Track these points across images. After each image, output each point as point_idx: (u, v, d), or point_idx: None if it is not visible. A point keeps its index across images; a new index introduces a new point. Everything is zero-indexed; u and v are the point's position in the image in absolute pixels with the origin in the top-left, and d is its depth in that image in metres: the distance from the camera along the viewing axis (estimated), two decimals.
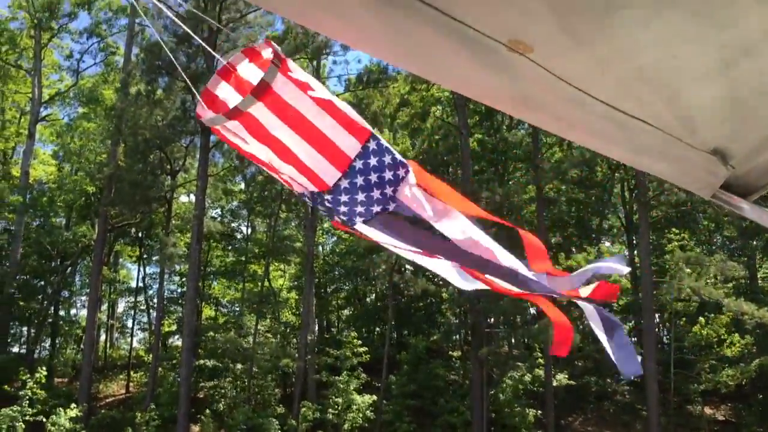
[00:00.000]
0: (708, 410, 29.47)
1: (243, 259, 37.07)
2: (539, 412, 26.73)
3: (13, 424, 22.50)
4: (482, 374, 26.49)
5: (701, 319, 27.10)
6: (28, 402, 23.37)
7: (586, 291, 2.73)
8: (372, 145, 2.34)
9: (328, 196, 2.41)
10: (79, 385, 29.93)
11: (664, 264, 29.49)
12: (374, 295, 40.09)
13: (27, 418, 23.04)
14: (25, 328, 37.87)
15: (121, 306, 44.43)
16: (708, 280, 26.56)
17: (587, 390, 30.03)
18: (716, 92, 1.75)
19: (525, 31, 1.53)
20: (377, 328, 38.22)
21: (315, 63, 32.39)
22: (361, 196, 2.39)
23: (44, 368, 26.10)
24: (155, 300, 36.66)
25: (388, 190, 2.42)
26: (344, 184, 2.36)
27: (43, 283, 36.38)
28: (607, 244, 37.10)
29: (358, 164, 2.33)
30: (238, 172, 34.59)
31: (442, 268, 2.91)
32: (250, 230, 40.06)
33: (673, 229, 29.97)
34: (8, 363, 29.94)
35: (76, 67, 39.88)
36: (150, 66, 29.84)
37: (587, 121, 1.88)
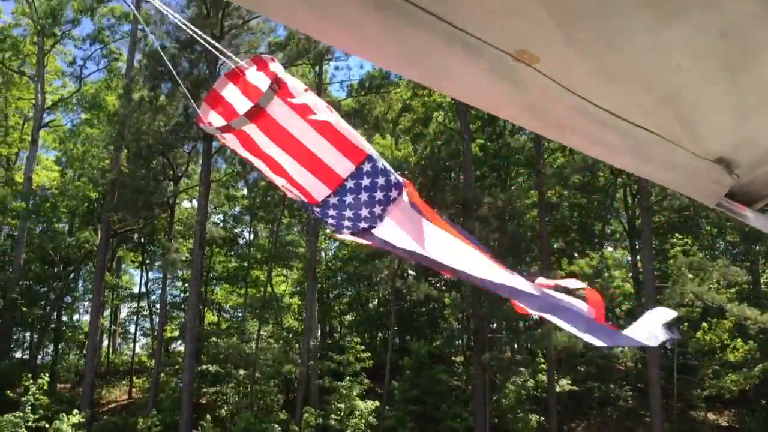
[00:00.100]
0: (711, 416, 29.39)
1: (245, 264, 37.10)
2: (542, 417, 26.66)
3: (15, 430, 22.50)
4: (485, 380, 26.45)
5: (704, 324, 27.03)
6: (30, 408, 23.36)
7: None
8: (366, 167, 2.36)
9: (317, 209, 2.44)
10: (82, 391, 29.91)
11: (667, 269, 29.43)
12: (377, 300, 40.07)
13: (29, 424, 23.03)
14: (27, 334, 37.91)
15: (123, 311, 44.49)
16: (711, 285, 26.52)
17: (590, 396, 29.97)
18: (721, 101, 1.76)
19: (531, 42, 1.54)
20: (380, 334, 38.19)
21: (317, 69, 32.44)
22: (349, 213, 2.43)
23: (47, 374, 26.12)
24: (158, 305, 36.68)
25: (377, 209, 2.45)
26: (333, 200, 2.39)
27: (45, 288, 36.42)
28: (610, 249, 37.04)
29: (350, 184, 2.36)
30: (241, 178, 34.66)
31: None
32: (252, 236, 40.15)
33: (676, 234, 29.92)
34: (11, 368, 29.95)
35: (79, 73, 40.06)
36: (153, 72, 29.91)
37: (592, 129, 1.89)
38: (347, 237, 2.64)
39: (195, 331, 28.49)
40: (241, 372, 29.62)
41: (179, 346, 37.80)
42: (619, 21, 1.44)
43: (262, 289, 35.60)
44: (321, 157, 2.28)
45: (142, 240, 39.14)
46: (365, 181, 2.38)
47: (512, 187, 32.23)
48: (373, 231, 2.54)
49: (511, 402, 26.26)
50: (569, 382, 27.90)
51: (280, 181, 2.41)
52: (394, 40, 1.61)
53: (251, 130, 2.17)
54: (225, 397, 29.37)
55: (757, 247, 32.64)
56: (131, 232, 36.87)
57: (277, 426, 26.28)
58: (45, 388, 24.86)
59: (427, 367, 30.00)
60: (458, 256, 2.57)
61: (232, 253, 39.72)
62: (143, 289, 40.41)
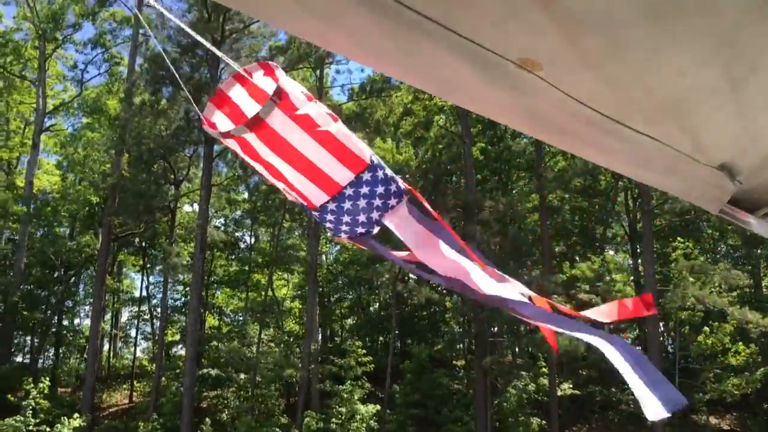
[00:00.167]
0: (713, 420, 29.34)
1: (246, 268, 37.10)
2: (543, 421, 26.62)
3: None
4: (486, 383, 26.43)
5: (706, 328, 27.02)
6: (31, 412, 23.35)
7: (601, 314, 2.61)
8: (366, 176, 2.37)
9: (315, 213, 2.47)
10: (83, 395, 29.90)
11: (669, 272, 29.42)
12: (378, 304, 40.07)
13: (30, 428, 23.03)
14: (28, 338, 37.96)
15: (124, 315, 44.53)
16: (712, 289, 26.50)
17: (592, 399, 29.92)
18: (724, 109, 1.77)
19: (534, 50, 1.54)
20: (381, 337, 38.17)
21: (318, 72, 32.49)
22: (346, 218, 2.45)
23: (48, 378, 26.11)
24: (158, 309, 36.68)
25: (375, 215, 2.47)
26: (331, 206, 2.42)
27: (46, 292, 36.43)
28: (611, 252, 37.04)
29: (348, 191, 2.38)
30: (242, 182, 34.68)
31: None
32: (253, 239, 40.18)
33: (678, 238, 29.91)
34: (12, 372, 29.95)
35: (81, 77, 40.13)
36: (154, 76, 29.96)
37: (595, 137, 1.89)
38: (345, 240, 2.66)
39: (196, 335, 28.48)
40: (242, 376, 29.61)
41: (180, 350, 37.79)
42: (621, 29, 1.45)
43: (263, 292, 35.59)
44: (320, 167, 2.30)
45: (143, 244, 39.18)
46: (364, 189, 2.39)
47: (513, 191, 32.26)
48: (370, 235, 2.55)
49: (513, 406, 26.23)
50: (571, 385, 27.86)
51: (280, 185, 2.43)
52: (398, 48, 1.61)
53: (251, 138, 2.18)
54: (226, 401, 29.34)
55: (759, 251, 32.61)
56: (132, 236, 36.91)
57: (278, 430, 26.26)
58: (46, 392, 24.86)
59: (428, 370, 29.98)
60: (452, 266, 2.58)
61: (233, 256, 39.73)
62: (144, 293, 40.48)
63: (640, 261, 31.55)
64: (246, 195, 37.04)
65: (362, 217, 2.46)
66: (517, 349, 32.13)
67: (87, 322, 38.56)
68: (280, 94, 2.11)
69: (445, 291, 32.34)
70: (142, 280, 40.52)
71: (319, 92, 30.62)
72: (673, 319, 28.47)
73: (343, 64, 33.72)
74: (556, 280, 25.33)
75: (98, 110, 39.14)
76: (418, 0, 1.41)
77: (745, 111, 1.76)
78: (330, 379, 28.09)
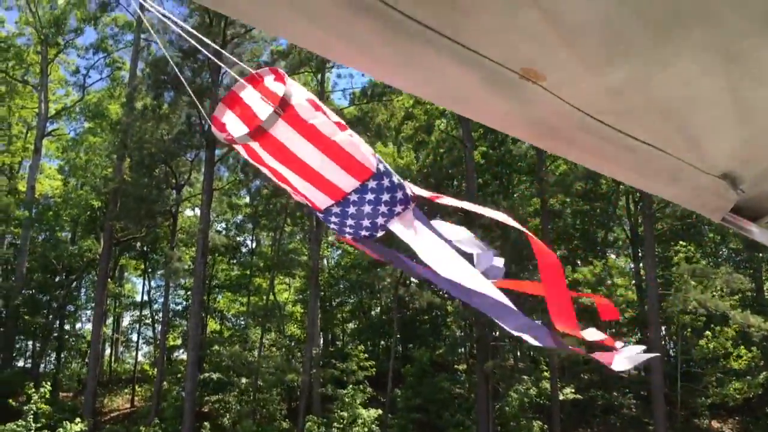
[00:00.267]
0: (715, 424, 29.28)
1: (248, 272, 37.08)
2: (545, 425, 26.58)
3: None
4: (488, 388, 26.39)
5: (708, 332, 26.99)
6: (33, 416, 23.35)
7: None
8: (371, 184, 2.39)
9: (320, 214, 2.49)
10: (84, 400, 29.90)
11: (670, 276, 29.39)
12: (379, 308, 40.04)
13: None
14: (30, 343, 37.94)
15: (126, 320, 44.50)
16: (714, 293, 26.48)
17: (593, 404, 29.86)
18: (727, 118, 1.77)
19: (538, 60, 1.55)
20: (382, 342, 38.13)
21: (319, 77, 32.53)
22: (351, 221, 2.47)
23: (49, 382, 26.12)
24: (160, 314, 36.67)
25: (380, 221, 2.48)
26: (335, 210, 2.43)
27: (48, 297, 36.43)
28: (613, 256, 37.02)
29: (353, 197, 2.40)
30: (243, 186, 34.69)
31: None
32: (255, 244, 40.17)
33: (680, 242, 29.89)
34: (13, 377, 29.95)
35: (82, 82, 40.20)
36: (155, 81, 30.03)
37: (598, 146, 1.90)
38: (349, 241, 2.67)
39: (197, 340, 28.47)
40: (244, 380, 29.58)
41: (181, 355, 37.77)
42: (623, 40, 1.46)
43: (264, 297, 35.58)
44: (324, 175, 2.31)
45: (145, 248, 39.17)
46: (369, 196, 2.41)
47: (515, 195, 32.25)
48: (374, 239, 2.57)
49: (514, 410, 26.19)
50: (572, 390, 27.82)
51: (285, 187, 2.45)
52: (401, 58, 1.62)
53: (255, 146, 2.19)
54: (227, 406, 29.31)
55: (761, 255, 32.59)
56: (134, 240, 36.92)
57: None
58: (47, 396, 24.86)
59: (429, 375, 29.94)
60: (453, 272, 2.59)
61: (235, 261, 39.72)
62: (145, 298, 40.46)
63: (641, 265, 31.54)
64: (247, 199, 37.09)
65: (366, 222, 2.48)
66: (518, 353, 32.09)
67: (88, 326, 38.56)
68: (284, 106, 2.12)
69: (446, 295, 32.34)
70: (144, 284, 40.57)
71: (321, 97, 30.65)
72: (675, 323, 28.44)
73: (344, 68, 33.76)
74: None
75: (100, 115, 39.19)
76: (421, 10, 1.42)
77: (747, 120, 1.77)
78: (332, 383, 28.07)
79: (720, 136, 1.87)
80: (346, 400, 26.42)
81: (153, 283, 41.05)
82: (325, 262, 39.57)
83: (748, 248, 32.46)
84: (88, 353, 33.47)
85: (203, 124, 29.41)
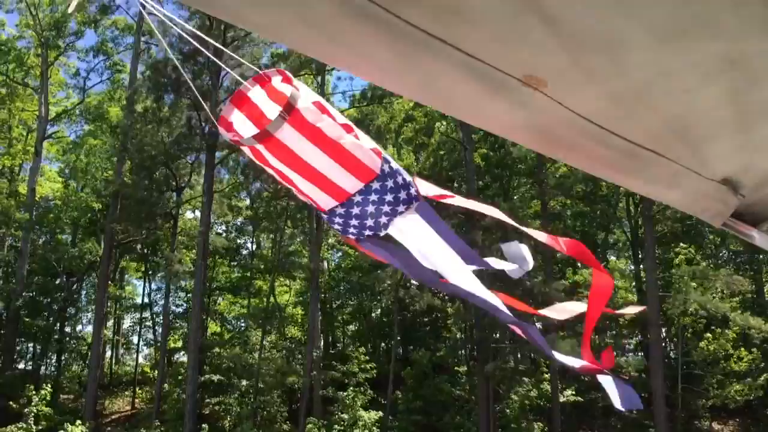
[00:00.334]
0: (716, 426, 29.26)
1: (248, 274, 37.09)
2: (546, 427, 26.57)
3: None
4: (488, 390, 26.37)
5: (708, 333, 26.98)
6: (33, 419, 23.35)
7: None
8: (375, 185, 2.41)
9: (324, 215, 2.51)
10: (85, 402, 29.89)
11: (670, 278, 29.38)
12: (379, 310, 40.00)
13: None
14: (31, 345, 37.93)
15: (126, 322, 44.46)
16: (714, 295, 26.47)
17: (594, 406, 29.82)
18: (727, 123, 1.78)
19: (539, 67, 1.56)
20: (382, 344, 38.11)
21: (319, 79, 32.55)
22: (354, 222, 2.48)
23: (50, 385, 26.11)
24: (161, 316, 36.65)
25: (383, 219, 2.50)
26: (339, 210, 2.45)
27: (49, 299, 36.43)
28: (613, 258, 37.02)
29: (357, 198, 2.41)
30: (244, 188, 34.70)
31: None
32: (255, 246, 40.18)
33: (680, 244, 29.89)
34: (14, 380, 29.94)
35: (83, 84, 40.19)
36: (156, 83, 30.04)
37: (599, 152, 1.91)
38: (352, 242, 2.69)
39: (198, 342, 28.47)
40: (244, 382, 29.57)
41: (182, 357, 37.71)
42: (625, 48, 1.46)
43: (264, 299, 35.57)
44: (329, 177, 2.33)
45: (145, 251, 39.15)
46: (373, 197, 2.43)
47: (515, 197, 32.24)
48: (375, 238, 2.59)
49: (515, 412, 26.19)
50: (573, 392, 27.80)
51: (289, 187, 2.46)
52: (402, 65, 1.63)
53: (261, 149, 2.21)
54: (228, 408, 29.29)
55: (761, 256, 32.58)
56: (134, 242, 36.89)
57: None
58: (48, 399, 24.86)
59: (430, 377, 29.93)
60: (452, 272, 2.62)
61: (235, 263, 39.71)
62: (146, 300, 40.45)
63: (642, 267, 31.53)
64: (248, 201, 37.08)
65: (369, 222, 2.50)
66: (519, 356, 32.06)
67: (89, 329, 38.51)
68: (290, 110, 2.14)
69: (446, 297, 32.33)
70: (144, 286, 40.56)
71: None
72: (676, 325, 28.44)
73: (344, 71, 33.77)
74: (558, 286, 25.32)
75: (100, 117, 39.20)
76: (423, 18, 1.43)
77: (748, 126, 1.78)
78: (332, 385, 28.06)
79: (721, 141, 1.87)
80: (347, 402, 26.42)
81: (153, 286, 41.08)
82: (325, 264, 39.54)
83: (748, 250, 32.45)
84: (89, 355, 33.44)
85: (204, 126, 29.44)
